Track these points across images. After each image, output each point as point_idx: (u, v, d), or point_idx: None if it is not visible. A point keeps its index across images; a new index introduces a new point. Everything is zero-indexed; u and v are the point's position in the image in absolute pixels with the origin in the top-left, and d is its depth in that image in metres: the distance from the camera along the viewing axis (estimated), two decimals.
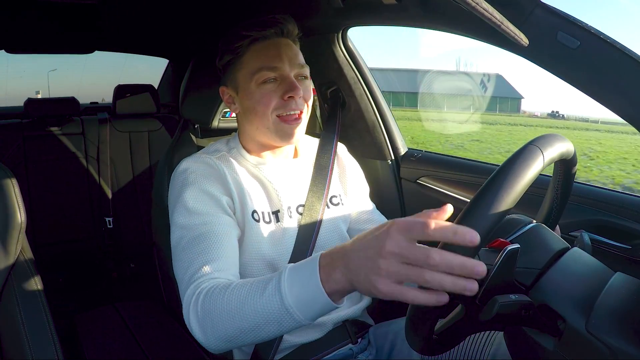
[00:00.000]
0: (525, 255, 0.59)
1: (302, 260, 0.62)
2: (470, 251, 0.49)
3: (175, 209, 0.87)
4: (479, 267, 0.47)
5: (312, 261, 0.59)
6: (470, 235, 0.47)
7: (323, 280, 0.57)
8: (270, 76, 0.89)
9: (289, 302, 0.59)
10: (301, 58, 0.94)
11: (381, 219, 1.09)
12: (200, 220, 0.83)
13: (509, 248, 0.53)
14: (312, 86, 0.96)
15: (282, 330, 0.63)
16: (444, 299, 0.49)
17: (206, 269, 0.77)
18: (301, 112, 0.91)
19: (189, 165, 0.90)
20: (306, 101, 0.93)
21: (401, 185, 1.41)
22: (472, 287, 0.48)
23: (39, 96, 2.99)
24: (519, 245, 0.53)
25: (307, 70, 0.94)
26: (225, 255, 0.81)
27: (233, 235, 0.87)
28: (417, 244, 0.49)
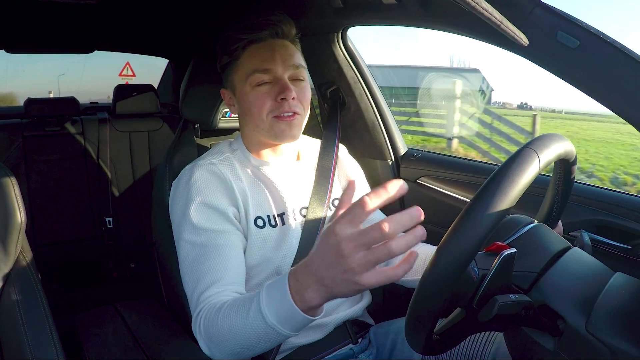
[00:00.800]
0: (524, 258, 0.58)
1: (274, 280, 0.66)
2: (468, 257, 0.49)
3: (182, 223, 0.88)
4: (417, 210, 0.50)
5: (281, 281, 0.62)
6: (400, 187, 0.51)
7: (296, 300, 0.59)
8: (264, 79, 0.89)
9: (271, 320, 0.63)
10: (297, 59, 0.93)
11: (382, 217, 1.09)
12: (207, 237, 0.85)
13: (505, 253, 0.52)
14: (309, 87, 0.95)
15: (276, 343, 0.68)
16: (414, 257, 0.51)
17: (211, 289, 0.81)
18: (295, 113, 0.91)
19: (193, 177, 0.90)
20: (301, 102, 0.92)
21: None
22: (422, 233, 0.51)
23: (51, 95, 3.01)
24: (515, 250, 0.53)
25: (303, 72, 0.93)
26: (231, 271, 0.84)
27: (239, 247, 0.88)
28: (365, 228, 0.51)
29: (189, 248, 0.86)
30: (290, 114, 0.90)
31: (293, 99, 0.89)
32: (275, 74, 0.89)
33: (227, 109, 1.17)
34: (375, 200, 0.51)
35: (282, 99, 0.88)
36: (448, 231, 0.53)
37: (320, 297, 0.58)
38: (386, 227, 0.49)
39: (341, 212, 0.55)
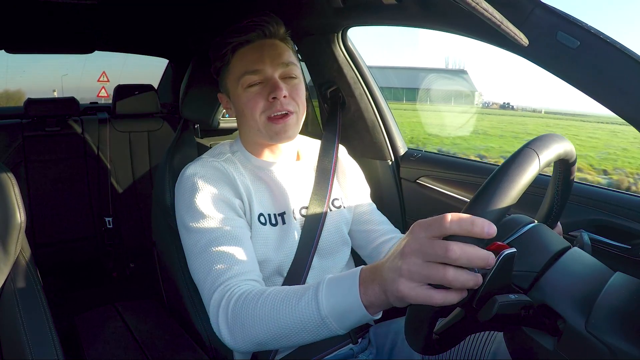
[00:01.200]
0: (524, 257, 0.58)
1: (342, 273, 0.62)
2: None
3: (187, 213, 0.87)
4: (492, 258, 0.48)
5: (353, 274, 0.60)
6: (488, 227, 0.47)
7: (362, 293, 0.57)
8: (254, 79, 0.89)
9: (326, 312, 0.60)
10: (287, 57, 0.92)
11: (381, 218, 1.10)
12: (215, 223, 0.84)
13: (505, 253, 0.52)
14: (302, 84, 0.95)
15: (316, 338, 0.64)
16: (465, 294, 0.49)
17: (231, 272, 0.78)
18: (289, 112, 0.90)
19: (197, 171, 0.90)
20: (294, 99, 0.91)
21: (401, 185, 1.41)
22: (480, 281, 0.48)
23: (55, 94, 3.03)
24: (515, 250, 0.53)
25: (294, 69, 0.92)
26: (246, 257, 0.82)
27: (248, 237, 0.88)
28: (437, 239, 0.48)
29: (197, 237, 0.84)
30: (283, 112, 0.89)
31: (285, 97, 0.89)
32: (265, 74, 0.90)
33: None
34: (455, 225, 0.47)
35: (273, 98, 0.88)
36: None
37: (379, 292, 0.55)
38: (453, 250, 0.46)
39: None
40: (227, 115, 1.19)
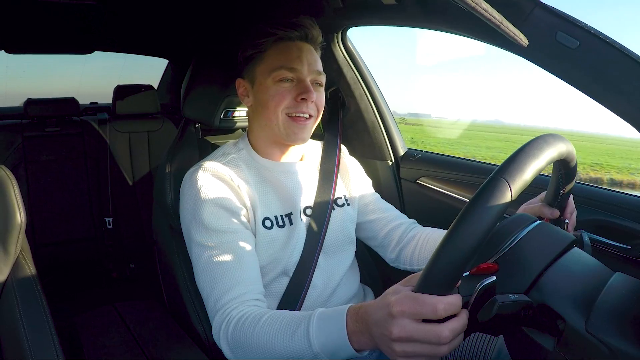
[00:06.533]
0: (509, 278, 0.57)
1: (329, 311, 0.67)
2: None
3: (192, 224, 0.88)
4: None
5: (338, 317, 0.64)
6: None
7: (352, 340, 0.61)
8: (288, 76, 0.91)
9: (317, 349, 0.65)
10: (320, 65, 0.96)
11: (387, 206, 1.12)
12: (219, 238, 0.85)
13: (484, 284, 0.51)
14: (324, 94, 0.98)
15: None
16: (462, 339, 0.53)
17: (231, 293, 0.80)
18: (310, 116, 0.93)
19: (200, 177, 0.89)
20: (317, 107, 0.94)
21: (401, 186, 1.41)
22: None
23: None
24: (495, 278, 0.52)
25: (323, 78, 0.96)
26: (248, 274, 0.83)
27: (252, 247, 0.89)
28: (423, 323, 0.51)
29: (201, 250, 0.85)
30: (305, 115, 0.92)
31: (312, 101, 0.91)
32: (300, 75, 0.92)
33: (228, 109, 1.17)
34: (444, 312, 0.50)
35: (302, 99, 0.90)
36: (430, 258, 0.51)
37: (371, 345, 0.60)
38: (446, 335, 0.50)
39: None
40: (228, 115, 1.19)
